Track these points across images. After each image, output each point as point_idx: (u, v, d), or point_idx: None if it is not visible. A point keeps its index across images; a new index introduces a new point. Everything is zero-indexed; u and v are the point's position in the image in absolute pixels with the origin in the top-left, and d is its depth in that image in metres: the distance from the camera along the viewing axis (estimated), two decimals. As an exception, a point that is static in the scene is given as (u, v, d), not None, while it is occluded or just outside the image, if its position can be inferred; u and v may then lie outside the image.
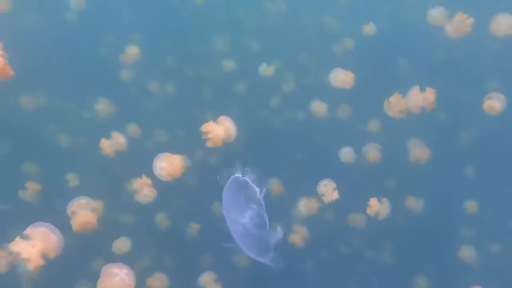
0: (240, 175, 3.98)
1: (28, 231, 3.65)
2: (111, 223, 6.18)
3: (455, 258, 6.47)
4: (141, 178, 4.97)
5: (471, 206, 6.56)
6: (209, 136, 4.44)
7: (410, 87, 5.05)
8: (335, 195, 5.14)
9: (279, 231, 3.83)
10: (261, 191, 3.89)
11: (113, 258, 5.39)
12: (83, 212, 4.33)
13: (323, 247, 7.15)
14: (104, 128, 5.81)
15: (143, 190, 5.00)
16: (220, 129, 4.52)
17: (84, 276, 6.16)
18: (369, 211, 5.27)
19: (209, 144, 4.47)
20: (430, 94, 4.94)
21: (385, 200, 5.32)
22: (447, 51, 7.54)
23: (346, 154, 6.14)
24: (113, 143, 5.50)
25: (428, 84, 4.98)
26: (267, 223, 3.88)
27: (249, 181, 3.92)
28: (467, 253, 6.31)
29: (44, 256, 3.60)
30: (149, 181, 4.98)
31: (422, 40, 7.34)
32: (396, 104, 5.15)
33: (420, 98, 4.96)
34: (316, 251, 7.11)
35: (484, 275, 5.99)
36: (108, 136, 5.48)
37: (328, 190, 5.18)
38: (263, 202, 3.91)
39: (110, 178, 6.86)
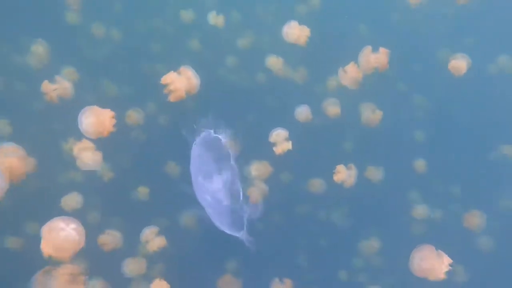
0: (212, 132, 3.62)
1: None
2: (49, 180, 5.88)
3: (406, 220, 6.77)
4: (80, 140, 4.44)
5: (420, 165, 6.74)
6: (171, 88, 4.06)
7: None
8: (287, 145, 4.89)
9: (258, 206, 3.57)
10: (234, 153, 3.58)
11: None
12: (8, 159, 3.88)
13: (276, 208, 7.19)
14: (41, 74, 5.27)
15: (85, 156, 4.52)
16: (182, 80, 4.14)
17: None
18: (336, 178, 5.10)
19: (172, 98, 4.09)
20: (382, 55, 4.83)
21: (352, 166, 5.19)
22: (405, 16, 7.58)
23: (302, 112, 5.89)
24: (57, 87, 4.86)
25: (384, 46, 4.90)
26: (241, 193, 3.57)
27: (223, 140, 3.58)
28: (417, 213, 6.56)
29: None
30: (91, 145, 4.50)
31: (383, 5, 7.38)
32: (351, 73, 5.06)
33: (372, 58, 4.87)
34: (268, 212, 7.13)
35: (432, 236, 6.38)
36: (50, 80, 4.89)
37: (280, 139, 4.94)
38: (236, 168, 3.59)
39: (47, 130, 6.42)
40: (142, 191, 6.30)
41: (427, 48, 7.58)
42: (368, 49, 4.92)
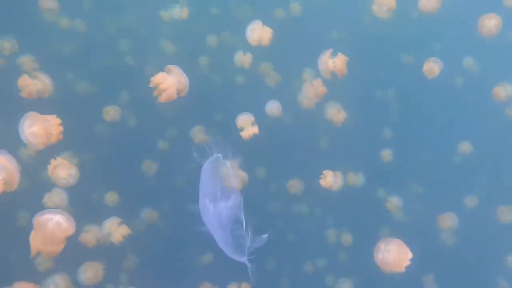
0: (221, 156, 3.55)
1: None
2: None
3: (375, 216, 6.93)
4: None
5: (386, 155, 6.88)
6: (162, 88, 3.86)
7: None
8: (254, 130, 4.84)
9: (263, 238, 3.53)
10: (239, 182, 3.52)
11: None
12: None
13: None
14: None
15: (60, 175, 4.37)
16: (172, 80, 3.95)
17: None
18: (323, 183, 5.12)
19: (162, 99, 3.89)
20: (340, 60, 4.91)
21: (338, 173, 5.22)
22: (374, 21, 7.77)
23: (273, 108, 5.87)
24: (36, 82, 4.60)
25: (348, 51, 5.03)
26: (244, 221, 3.52)
27: (229, 166, 3.51)
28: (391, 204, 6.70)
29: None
30: (65, 163, 4.35)
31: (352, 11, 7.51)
32: (317, 88, 5.24)
33: (330, 62, 4.95)
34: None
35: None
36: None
37: (246, 123, 4.87)
38: (241, 198, 3.54)
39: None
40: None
41: (394, 52, 7.77)
42: (327, 53, 5.01)
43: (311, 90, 5.43)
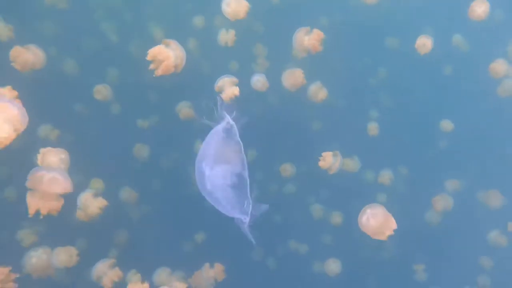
0: (231, 123, 3.47)
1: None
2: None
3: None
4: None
5: (373, 128, 6.88)
6: (159, 59, 3.80)
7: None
8: (234, 91, 4.64)
9: (263, 207, 3.50)
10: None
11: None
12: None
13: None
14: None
15: (52, 161, 4.11)
16: (170, 53, 3.90)
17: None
18: (322, 164, 5.00)
19: (159, 72, 3.84)
20: (315, 36, 4.87)
21: (337, 153, 5.11)
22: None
23: (258, 82, 5.70)
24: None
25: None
26: (248, 185, 3.48)
27: (237, 135, 3.45)
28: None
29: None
30: (53, 150, 4.15)
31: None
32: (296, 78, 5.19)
33: (305, 39, 4.92)
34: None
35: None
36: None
37: (227, 84, 4.71)
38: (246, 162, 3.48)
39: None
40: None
41: (381, 35, 7.76)
42: (302, 30, 4.98)
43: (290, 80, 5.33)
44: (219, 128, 3.54)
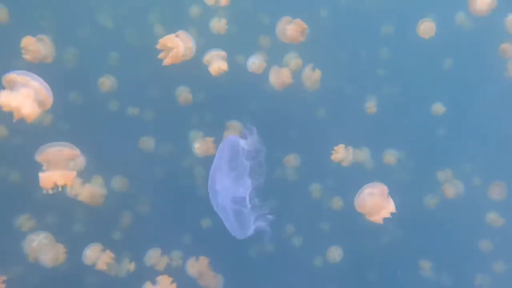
0: (247, 139, 3.52)
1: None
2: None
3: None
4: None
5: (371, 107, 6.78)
6: (169, 47, 3.89)
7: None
8: (222, 65, 4.57)
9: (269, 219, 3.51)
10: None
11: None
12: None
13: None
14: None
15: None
16: (181, 44, 4.01)
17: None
18: (334, 157, 5.09)
19: (167, 61, 3.93)
20: (297, 26, 4.82)
21: (350, 148, 5.19)
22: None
23: (255, 63, 5.59)
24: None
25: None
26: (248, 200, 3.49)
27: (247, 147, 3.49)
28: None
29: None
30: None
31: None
32: (282, 76, 5.17)
33: (286, 29, 4.89)
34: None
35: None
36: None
37: (214, 58, 4.63)
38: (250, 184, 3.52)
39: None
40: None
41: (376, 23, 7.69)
42: (285, 20, 4.95)
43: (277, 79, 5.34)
44: (239, 142, 3.56)
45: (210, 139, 5.50)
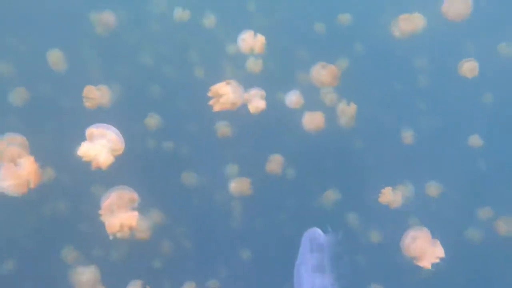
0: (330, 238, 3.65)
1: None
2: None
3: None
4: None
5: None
6: (220, 97, 4.07)
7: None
8: (261, 104, 4.64)
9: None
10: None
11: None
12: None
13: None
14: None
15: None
16: (231, 93, 4.16)
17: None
18: (382, 200, 5.09)
19: (217, 107, 4.13)
20: (331, 71, 4.92)
21: (399, 190, 5.20)
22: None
23: (292, 100, 5.60)
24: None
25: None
26: None
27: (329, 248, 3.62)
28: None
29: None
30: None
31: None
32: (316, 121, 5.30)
33: (321, 74, 5.02)
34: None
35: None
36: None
37: (254, 97, 4.67)
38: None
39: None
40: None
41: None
42: (319, 65, 5.04)
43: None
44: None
45: (247, 180, 5.64)
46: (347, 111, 5.78)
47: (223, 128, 6.37)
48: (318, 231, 3.65)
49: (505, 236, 6.49)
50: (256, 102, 4.64)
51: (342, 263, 3.65)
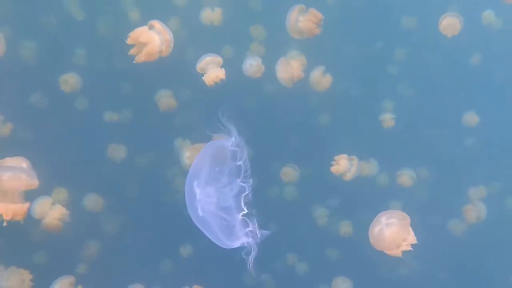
0: (233, 142, 3.17)
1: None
2: None
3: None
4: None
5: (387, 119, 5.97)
6: (141, 43, 3.46)
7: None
8: (219, 74, 4.14)
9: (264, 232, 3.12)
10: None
11: None
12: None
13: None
14: None
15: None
16: (155, 37, 3.55)
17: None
18: (334, 169, 4.49)
19: (141, 58, 3.50)
20: (312, 16, 4.16)
21: (354, 158, 4.57)
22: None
23: (251, 67, 4.99)
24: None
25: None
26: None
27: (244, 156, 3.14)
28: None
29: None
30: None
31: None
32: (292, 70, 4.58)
33: (299, 20, 4.23)
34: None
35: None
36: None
37: (210, 65, 4.15)
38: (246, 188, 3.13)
39: None
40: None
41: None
42: (296, 9, 4.29)
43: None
44: (221, 144, 3.26)
45: (201, 146, 4.76)
46: (321, 81, 5.06)
47: (166, 99, 5.58)
48: (226, 143, 3.22)
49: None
50: (214, 71, 4.13)
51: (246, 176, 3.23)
